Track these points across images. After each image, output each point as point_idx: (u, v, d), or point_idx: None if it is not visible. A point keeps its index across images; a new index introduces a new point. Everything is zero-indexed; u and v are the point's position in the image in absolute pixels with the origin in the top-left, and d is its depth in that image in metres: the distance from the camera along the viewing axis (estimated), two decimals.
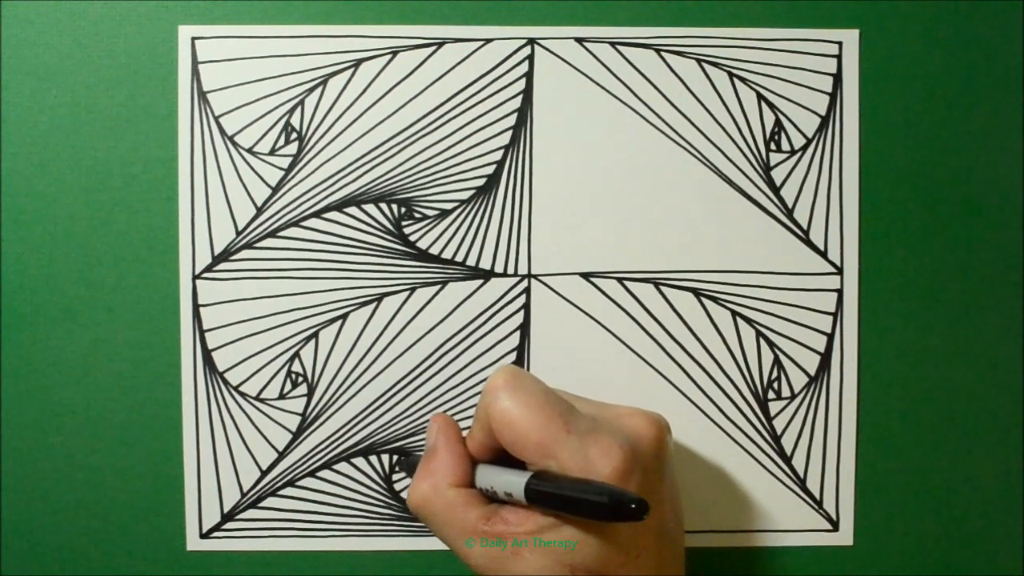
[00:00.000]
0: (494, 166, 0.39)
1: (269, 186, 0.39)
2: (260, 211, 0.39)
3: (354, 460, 0.39)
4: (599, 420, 0.31)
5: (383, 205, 0.39)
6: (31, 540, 0.39)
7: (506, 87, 0.39)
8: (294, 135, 0.39)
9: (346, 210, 0.39)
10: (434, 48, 0.39)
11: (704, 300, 0.39)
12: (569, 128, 0.39)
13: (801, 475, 0.40)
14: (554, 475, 0.30)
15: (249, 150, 0.39)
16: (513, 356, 0.39)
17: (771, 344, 0.39)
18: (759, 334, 0.39)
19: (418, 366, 0.39)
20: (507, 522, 0.31)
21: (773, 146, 0.39)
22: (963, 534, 0.40)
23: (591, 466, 0.29)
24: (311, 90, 0.38)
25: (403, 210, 0.39)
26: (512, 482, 0.31)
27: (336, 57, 0.38)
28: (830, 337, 0.40)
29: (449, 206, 0.39)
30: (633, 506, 0.27)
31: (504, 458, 0.33)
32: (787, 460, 0.40)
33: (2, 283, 0.39)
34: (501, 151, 0.39)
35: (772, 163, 0.39)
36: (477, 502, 0.32)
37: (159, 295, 0.39)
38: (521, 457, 0.31)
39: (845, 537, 0.40)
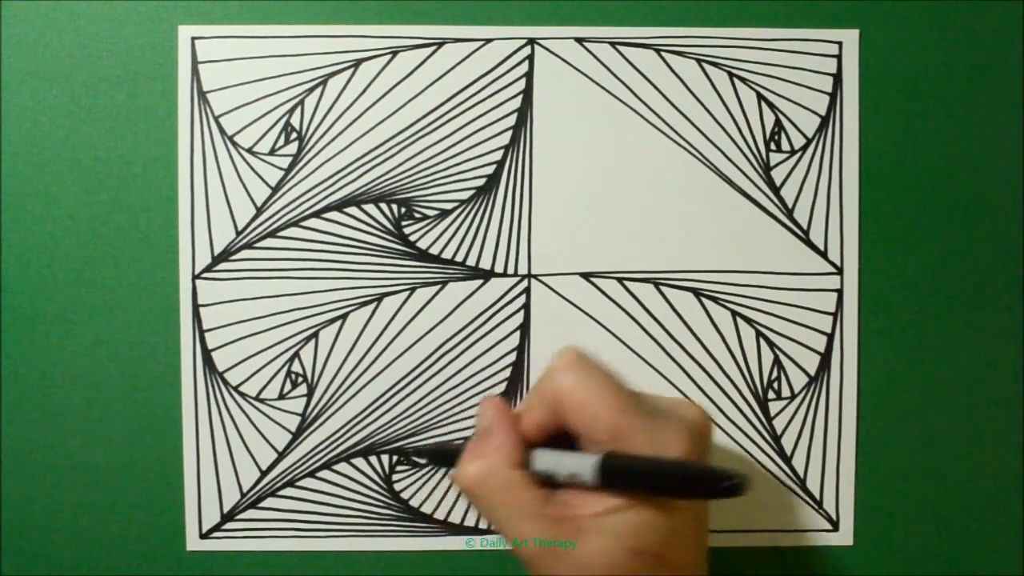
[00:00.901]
0: (494, 166, 0.39)
1: (269, 186, 0.39)
2: (260, 211, 0.39)
3: (354, 460, 0.39)
4: (661, 406, 0.31)
5: (383, 205, 0.39)
6: (31, 540, 0.39)
7: (506, 87, 0.39)
8: (294, 135, 0.39)
9: (346, 210, 0.39)
10: (434, 48, 0.39)
11: (704, 300, 0.39)
12: (569, 128, 0.39)
13: (801, 475, 0.40)
14: (627, 455, 0.30)
15: (249, 150, 0.39)
16: (513, 356, 0.39)
17: (771, 344, 0.39)
18: (759, 334, 0.39)
19: (418, 366, 0.39)
20: (569, 504, 0.30)
21: (773, 146, 0.39)
22: (963, 534, 0.40)
23: (663, 449, 0.29)
24: (311, 90, 0.38)
25: (403, 210, 0.39)
26: (579, 463, 0.30)
27: (336, 57, 0.38)
28: (830, 337, 0.39)
29: (449, 206, 0.39)
30: (735, 482, 0.27)
31: (554, 443, 0.32)
32: (787, 460, 0.40)
33: (2, 283, 0.39)
34: (501, 151, 0.39)
35: (772, 163, 0.39)
36: (533, 485, 0.31)
37: (159, 295, 0.39)
38: (591, 437, 0.31)
39: (845, 537, 0.40)
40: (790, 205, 0.39)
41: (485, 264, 0.39)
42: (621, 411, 0.30)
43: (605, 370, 0.31)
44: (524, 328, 0.39)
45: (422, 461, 0.39)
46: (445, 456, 0.36)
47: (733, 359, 0.39)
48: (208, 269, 0.39)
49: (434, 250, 0.39)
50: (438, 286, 0.39)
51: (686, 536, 0.30)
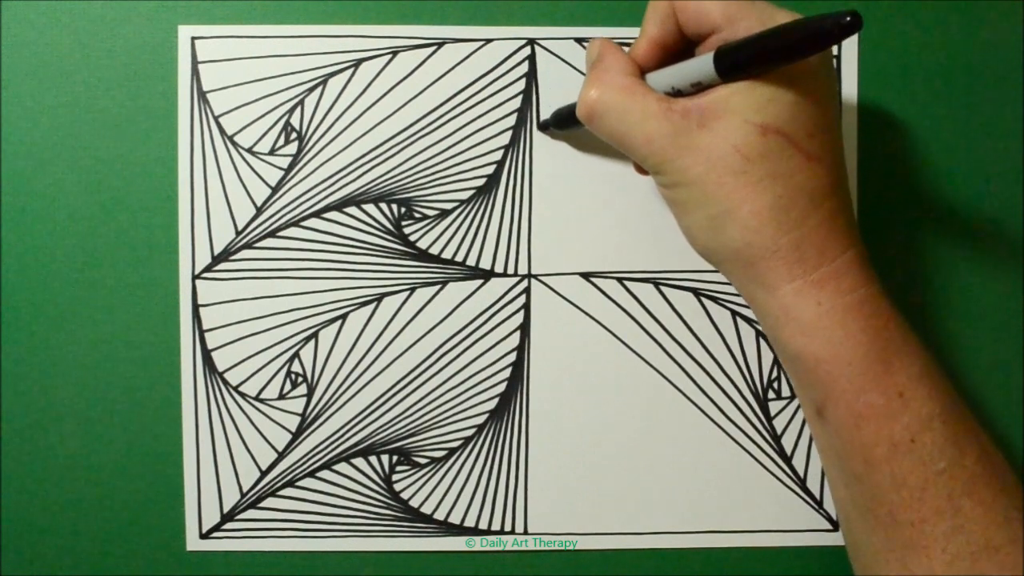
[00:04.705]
0: (494, 166, 0.39)
1: (269, 186, 0.39)
2: (260, 211, 0.39)
3: (354, 460, 0.39)
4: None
5: (383, 205, 0.39)
6: (31, 540, 0.39)
7: (506, 87, 0.39)
8: (294, 135, 0.39)
9: (346, 210, 0.39)
10: (434, 48, 0.39)
11: (704, 300, 0.39)
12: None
13: (801, 475, 0.40)
14: (741, 38, 0.29)
15: (249, 150, 0.39)
16: (513, 356, 0.39)
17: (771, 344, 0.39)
18: (759, 334, 0.39)
19: (418, 366, 0.39)
20: (692, 101, 0.30)
21: None
22: None
23: (777, 22, 0.29)
24: (311, 90, 0.38)
25: (403, 210, 0.39)
26: (695, 65, 0.30)
27: (336, 57, 0.38)
28: None
29: (449, 206, 0.39)
30: (848, 19, 0.25)
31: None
32: (787, 460, 0.40)
33: (2, 283, 0.39)
34: (501, 151, 0.39)
35: None
36: (652, 91, 0.31)
37: (159, 295, 0.39)
38: (704, 31, 0.31)
39: None
40: None
41: (485, 264, 0.39)
42: None
43: None
44: (524, 328, 0.39)
45: (548, 131, 0.39)
46: (566, 114, 0.36)
47: (733, 359, 0.39)
48: (208, 269, 0.39)
49: (434, 250, 0.39)
50: (438, 286, 0.39)
51: (813, 114, 0.30)
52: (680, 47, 0.33)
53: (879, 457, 0.30)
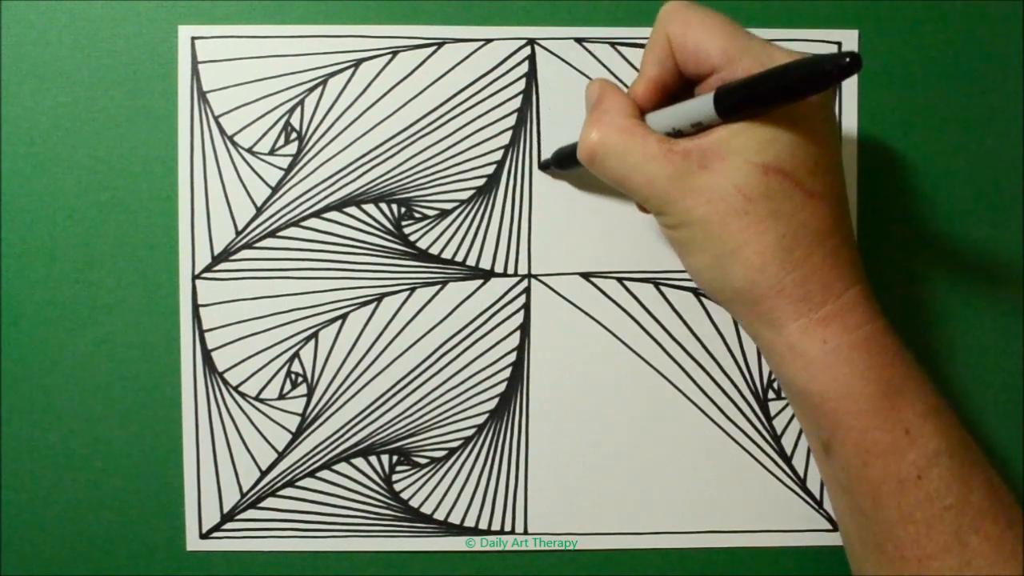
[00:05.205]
0: (494, 166, 0.39)
1: (269, 186, 0.39)
2: (260, 211, 0.39)
3: (354, 460, 0.39)
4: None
5: (383, 205, 0.39)
6: (31, 540, 0.39)
7: (506, 87, 0.39)
8: (294, 135, 0.39)
9: (346, 210, 0.39)
10: (434, 48, 0.39)
11: (704, 300, 0.39)
12: (569, 128, 0.39)
13: (801, 475, 0.40)
14: (741, 79, 0.29)
15: (249, 150, 0.39)
16: (513, 356, 0.39)
17: None
18: None
19: (418, 366, 0.39)
20: (693, 142, 0.30)
21: None
22: None
23: (776, 63, 0.29)
24: (311, 90, 0.38)
25: (403, 210, 0.39)
26: (695, 106, 0.30)
27: (336, 57, 0.38)
28: None
29: (449, 206, 0.39)
30: (848, 60, 0.25)
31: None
32: (787, 460, 0.40)
33: (2, 283, 0.39)
34: (501, 151, 0.39)
35: None
36: (653, 132, 0.31)
37: (159, 295, 0.39)
38: (703, 71, 0.31)
39: None
40: None
41: (485, 264, 0.39)
42: (731, 35, 0.30)
43: (713, 10, 0.31)
44: (524, 328, 0.39)
45: (550, 170, 0.39)
46: (567, 154, 0.36)
47: (733, 359, 0.39)
48: (208, 269, 0.39)
49: (434, 250, 0.39)
50: (438, 286, 0.39)
51: (814, 152, 0.30)
52: (679, 87, 0.33)
53: (886, 493, 0.30)
